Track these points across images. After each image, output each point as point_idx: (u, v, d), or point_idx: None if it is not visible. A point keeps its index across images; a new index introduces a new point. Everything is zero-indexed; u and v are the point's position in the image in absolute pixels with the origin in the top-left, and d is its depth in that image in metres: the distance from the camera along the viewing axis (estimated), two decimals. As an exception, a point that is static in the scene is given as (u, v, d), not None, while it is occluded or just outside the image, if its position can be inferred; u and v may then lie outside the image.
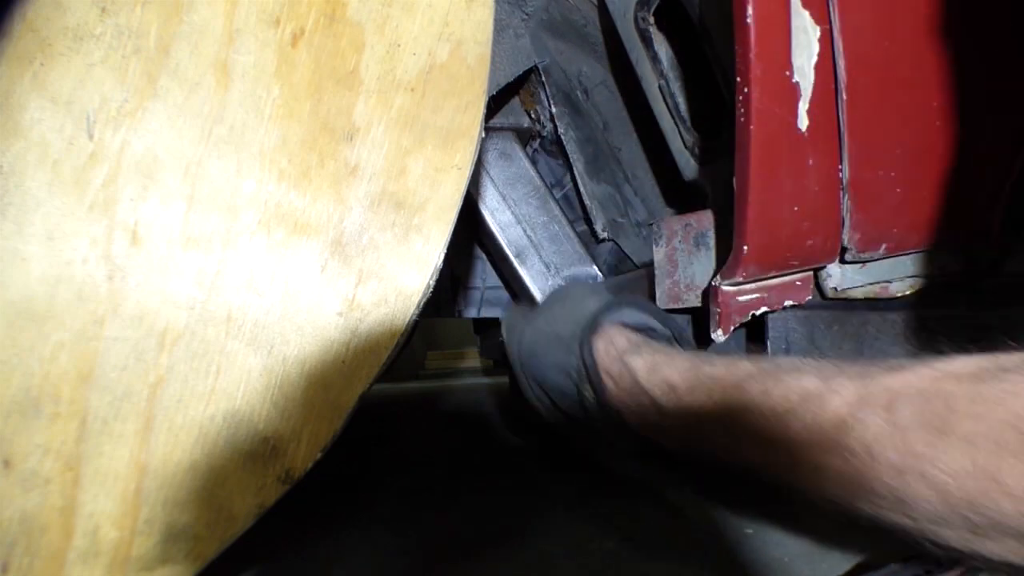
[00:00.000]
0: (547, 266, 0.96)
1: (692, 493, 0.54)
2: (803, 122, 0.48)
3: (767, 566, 0.55)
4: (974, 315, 0.61)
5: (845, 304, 0.57)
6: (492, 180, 0.94)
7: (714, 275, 0.54)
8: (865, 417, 0.28)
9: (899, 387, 0.29)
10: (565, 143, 0.95)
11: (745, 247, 0.48)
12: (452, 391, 2.32)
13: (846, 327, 0.58)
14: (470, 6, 0.53)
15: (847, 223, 0.51)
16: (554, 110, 0.95)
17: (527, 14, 0.88)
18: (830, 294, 0.55)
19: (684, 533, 0.64)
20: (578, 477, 0.89)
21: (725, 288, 0.52)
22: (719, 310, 0.52)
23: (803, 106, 0.48)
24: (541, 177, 1.00)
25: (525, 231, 0.96)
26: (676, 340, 0.53)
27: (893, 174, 0.51)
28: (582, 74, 0.88)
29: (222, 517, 0.49)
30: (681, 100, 0.65)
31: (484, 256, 1.29)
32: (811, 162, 0.49)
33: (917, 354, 0.32)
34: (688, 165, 0.64)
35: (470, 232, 1.11)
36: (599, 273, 0.97)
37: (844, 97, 0.48)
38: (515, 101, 1.03)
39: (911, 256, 0.56)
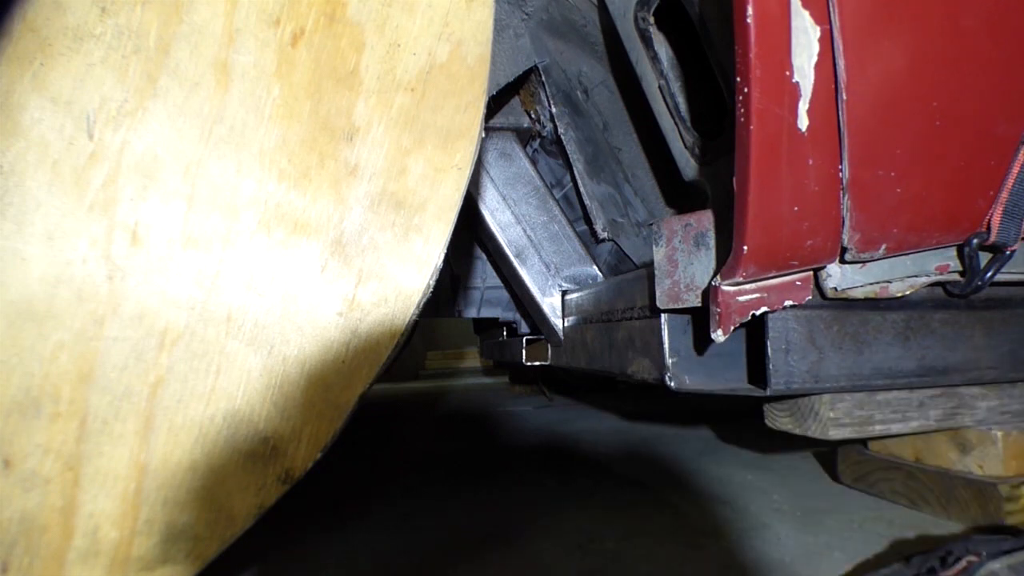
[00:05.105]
0: (547, 266, 0.96)
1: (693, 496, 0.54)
2: (803, 122, 0.48)
3: (767, 566, 0.55)
4: (973, 315, 0.61)
5: (845, 304, 0.57)
6: (492, 180, 0.94)
7: (714, 275, 0.54)
8: None
9: None
10: (565, 143, 0.95)
11: (745, 247, 0.48)
12: (452, 391, 2.32)
13: (846, 327, 0.58)
14: (470, 6, 0.53)
15: (847, 223, 0.51)
16: (554, 110, 0.95)
17: (527, 14, 0.88)
18: (830, 294, 0.55)
19: (684, 533, 0.64)
20: (578, 478, 0.89)
21: (725, 288, 0.52)
22: (719, 310, 0.52)
23: (803, 106, 0.48)
24: (541, 177, 1.00)
25: (525, 231, 0.96)
26: None
27: (893, 174, 0.51)
28: (582, 74, 0.88)
29: (222, 517, 0.49)
30: (681, 100, 0.65)
31: (484, 256, 1.29)
32: (811, 162, 0.49)
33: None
34: (688, 165, 0.64)
35: (470, 232, 1.11)
36: (599, 273, 0.97)
37: (844, 97, 0.48)
38: (515, 101, 1.03)
39: (911, 256, 0.56)
